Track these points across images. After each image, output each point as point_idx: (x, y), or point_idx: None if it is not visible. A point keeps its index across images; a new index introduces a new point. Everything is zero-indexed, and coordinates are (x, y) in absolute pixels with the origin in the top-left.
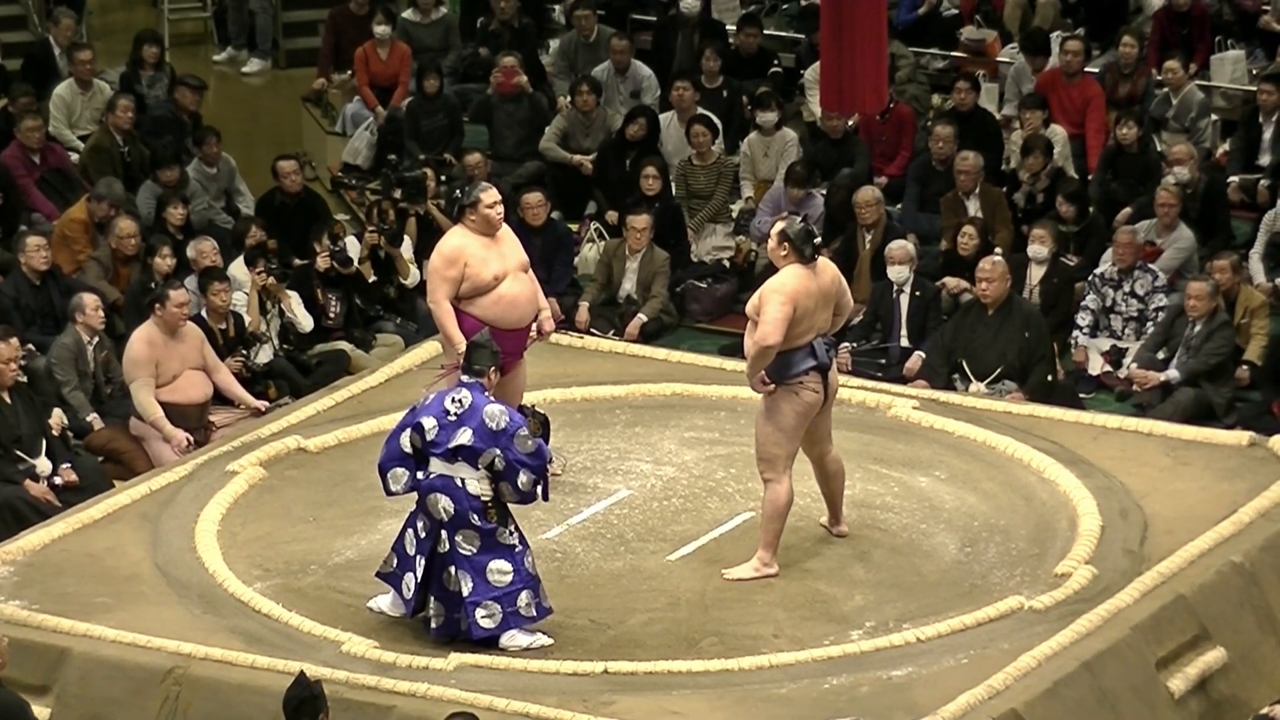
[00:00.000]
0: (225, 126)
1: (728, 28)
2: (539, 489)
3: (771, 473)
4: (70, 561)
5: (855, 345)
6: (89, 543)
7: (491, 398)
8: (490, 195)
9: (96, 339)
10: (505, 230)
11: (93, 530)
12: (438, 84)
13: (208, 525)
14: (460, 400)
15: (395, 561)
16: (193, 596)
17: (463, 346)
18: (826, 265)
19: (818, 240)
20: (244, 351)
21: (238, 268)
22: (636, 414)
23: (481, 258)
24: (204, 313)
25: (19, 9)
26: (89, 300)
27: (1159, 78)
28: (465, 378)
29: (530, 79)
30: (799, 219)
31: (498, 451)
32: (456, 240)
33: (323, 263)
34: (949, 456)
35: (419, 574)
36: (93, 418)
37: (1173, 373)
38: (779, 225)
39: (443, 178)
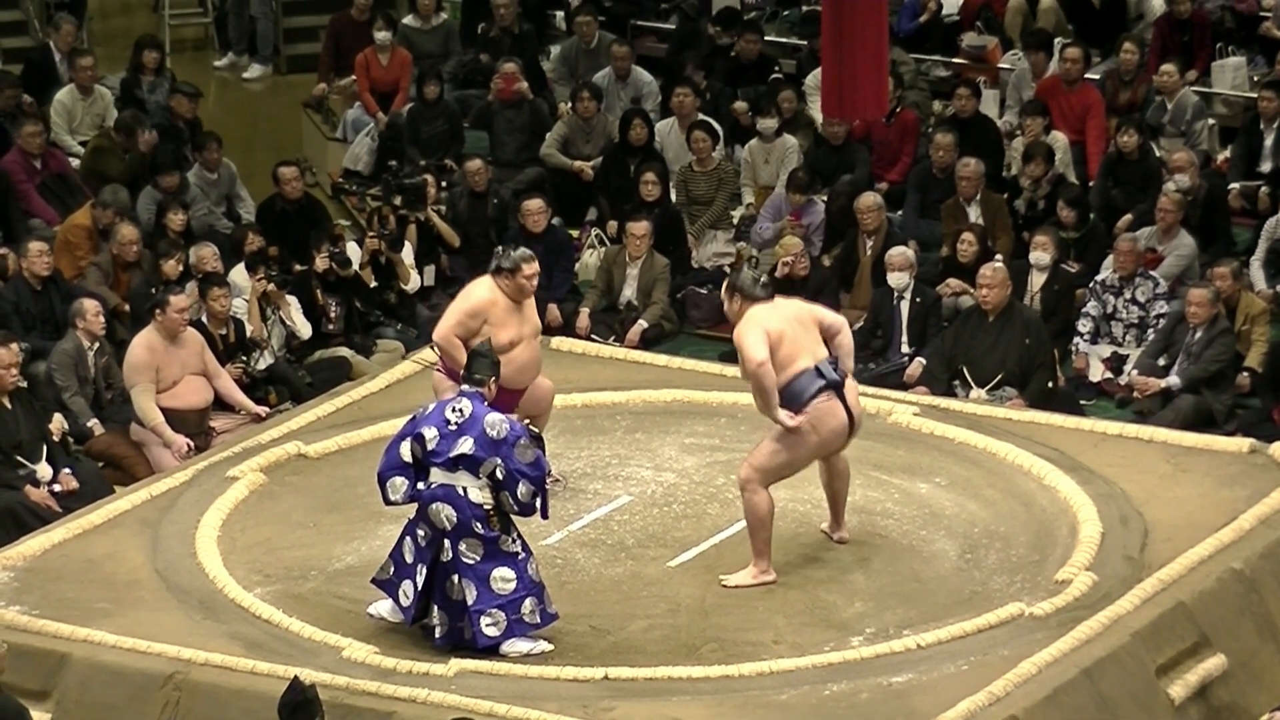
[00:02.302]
0: (226, 132)
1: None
2: (538, 502)
3: (754, 483)
4: (70, 567)
5: (870, 367)
6: (89, 548)
7: (491, 407)
8: (531, 267)
9: (97, 344)
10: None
11: (93, 536)
12: (438, 90)
13: (208, 531)
14: (460, 410)
15: (392, 569)
16: (193, 602)
17: None
18: (789, 299)
19: (764, 280)
20: (244, 358)
21: (238, 274)
22: (637, 420)
23: (503, 320)
24: (204, 318)
25: (19, 14)
26: (89, 306)
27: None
28: (466, 387)
29: (531, 85)
30: (746, 267)
31: (499, 461)
32: (485, 294)
33: (321, 264)
34: (949, 463)
35: (419, 582)
36: (93, 423)
37: (1173, 379)
38: (726, 282)
39: (443, 184)
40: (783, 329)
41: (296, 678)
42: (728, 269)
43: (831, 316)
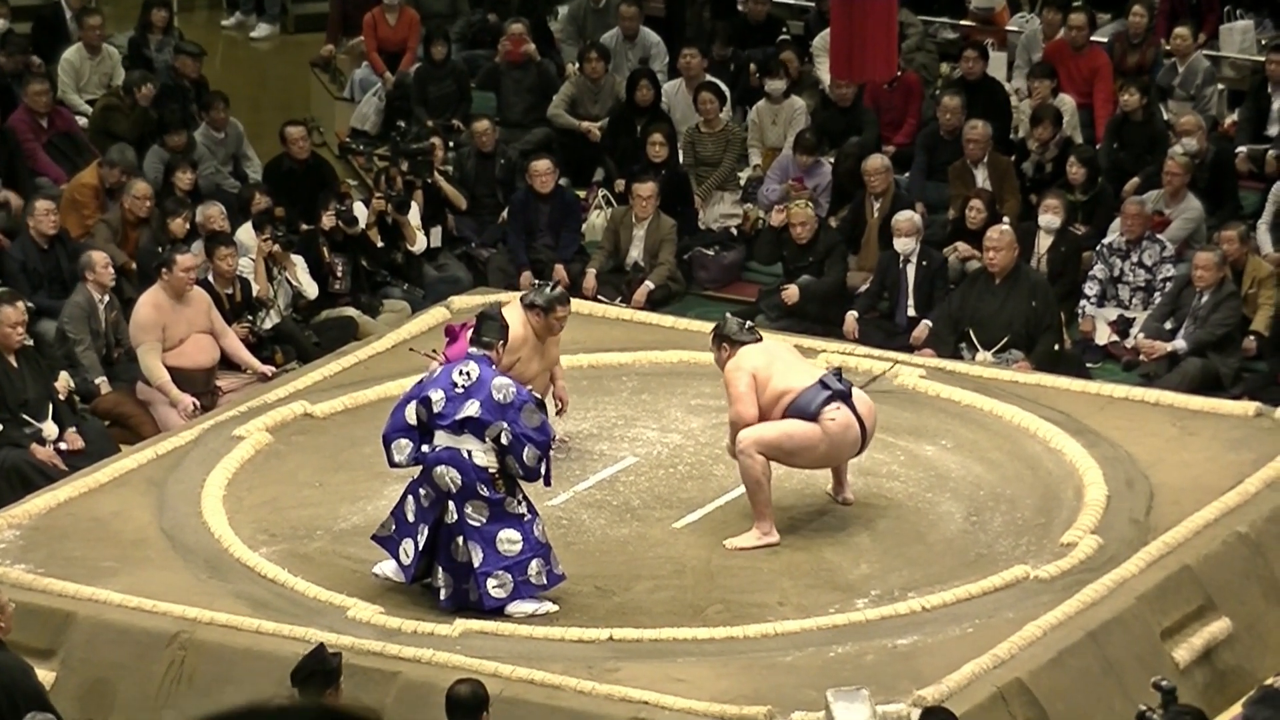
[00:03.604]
0: (233, 92)
1: None
2: (543, 467)
3: (751, 450)
4: (76, 526)
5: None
6: (95, 507)
7: (498, 371)
8: (565, 310)
9: (107, 297)
10: None
11: (99, 494)
12: (445, 50)
13: (214, 490)
14: (468, 373)
15: (393, 526)
16: (199, 561)
17: None
18: (777, 339)
19: (749, 325)
20: (249, 317)
21: (245, 233)
22: (643, 381)
23: (529, 358)
24: (210, 277)
25: None
26: (98, 257)
27: (1167, 47)
28: (474, 350)
29: (538, 45)
30: (730, 316)
31: (505, 425)
32: (518, 330)
33: (328, 221)
34: (955, 425)
35: (420, 541)
36: (101, 381)
37: (1180, 343)
38: (713, 332)
39: (451, 144)
40: (772, 361)
41: (322, 645)
42: (734, 231)
43: None
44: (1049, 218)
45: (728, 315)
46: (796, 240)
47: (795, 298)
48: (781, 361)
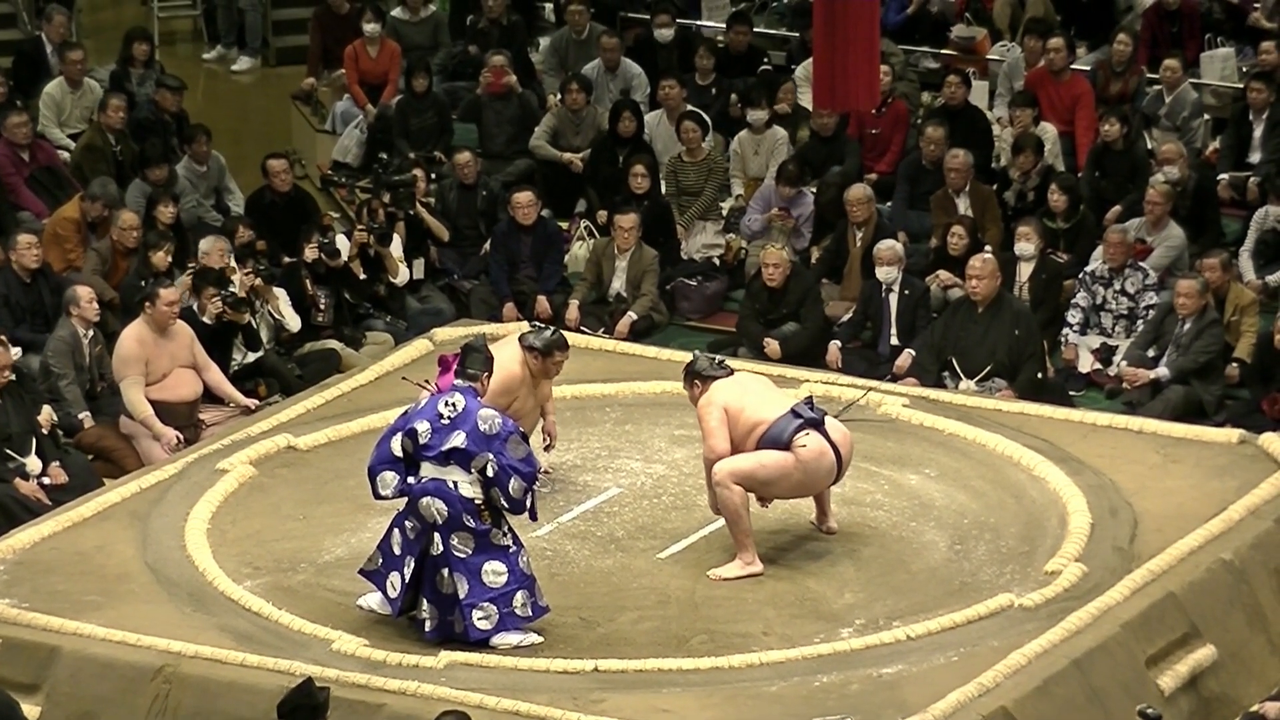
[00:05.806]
0: (215, 125)
1: (704, 25)
2: (529, 500)
3: (727, 482)
4: (60, 560)
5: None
6: (79, 541)
7: (484, 402)
8: (563, 354)
9: (92, 332)
10: None
11: (83, 528)
12: (427, 82)
13: (198, 523)
14: (453, 404)
15: (380, 560)
16: (183, 595)
17: None
18: (750, 374)
19: (720, 360)
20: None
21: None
22: (626, 412)
23: (526, 396)
24: (194, 307)
25: (8, 7)
26: (83, 292)
27: (1151, 75)
28: (459, 382)
29: (519, 77)
30: (699, 353)
31: (490, 456)
32: (516, 370)
33: (310, 254)
34: (939, 454)
35: (406, 574)
36: (84, 415)
37: (1163, 370)
38: (684, 369)
39: (433, 176)
40: (744, 394)
41: (309, 679)
42: (717, 261)
43: None
44: (1023, 245)
45: (697, 352)
46: (768, 282)
47: (778, 354)
48: (753, 394)
